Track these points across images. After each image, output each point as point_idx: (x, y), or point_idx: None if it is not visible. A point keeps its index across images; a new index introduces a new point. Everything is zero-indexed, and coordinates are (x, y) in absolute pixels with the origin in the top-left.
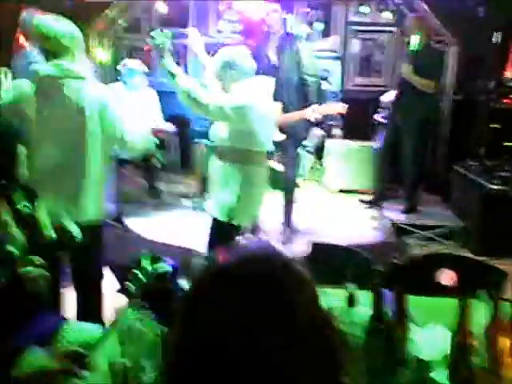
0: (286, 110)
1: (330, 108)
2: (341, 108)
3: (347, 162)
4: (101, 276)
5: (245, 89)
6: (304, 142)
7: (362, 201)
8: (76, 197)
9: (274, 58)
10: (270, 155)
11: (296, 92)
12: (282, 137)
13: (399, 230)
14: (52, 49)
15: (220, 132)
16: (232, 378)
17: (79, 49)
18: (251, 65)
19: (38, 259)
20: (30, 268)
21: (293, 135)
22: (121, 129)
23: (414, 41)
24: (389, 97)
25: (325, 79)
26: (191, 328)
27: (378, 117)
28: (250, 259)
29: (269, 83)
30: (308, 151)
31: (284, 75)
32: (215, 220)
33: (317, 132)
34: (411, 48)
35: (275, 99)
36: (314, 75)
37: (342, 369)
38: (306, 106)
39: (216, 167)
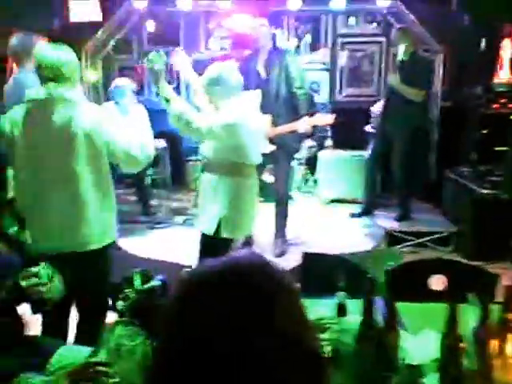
0: (275, 122)
1: (320, 119)
2: (330, 119)
3: (339, 172)
4: (105, 303)
5: (233, 106)
6: (296, 154)
7: (353, 214)
8: (71, 222)
9: (263, 72)
10: (262, 168)
11: (285, 105)
12: (272, 148)
13: (392, 238)
14: (50, 76)
15: (209, 146)
16: (224, 379)
17: (77, 76)
18: (238, 80)
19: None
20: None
21: (285, 148)
22: (122, 145)
23: (401, 51)
24: (378, 107)
25: (315, 91)
26: (180, 329)
27: (368, 127)
28: (237, 263)
29: (256, 97)
30: (300, 163)
31: (273, 88)
32: (205, 235)
33: (309, 143)
34: (398, 58)
35: (265, 112)
36: (303, 88)
37: (327, 370)
38: (296, 119)
39: (206, 181)
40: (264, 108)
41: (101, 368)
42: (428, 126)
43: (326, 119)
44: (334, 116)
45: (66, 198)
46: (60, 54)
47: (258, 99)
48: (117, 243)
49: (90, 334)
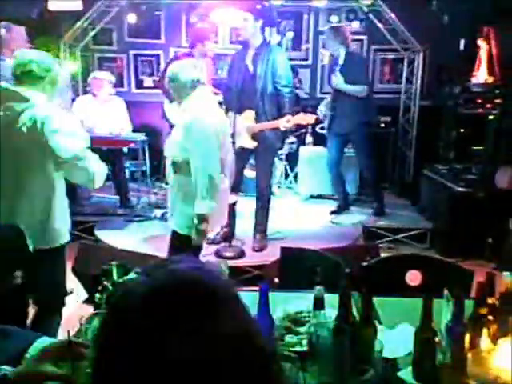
0: (258, 118)
1: (302, 119)
2: (311, 119)
3: (318, 168)
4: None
5: (189, 104)
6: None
7: (333, 212)
8: (28, 221)
9: (251, 67)
10: (245, 163)
11: (270, 102)
12: (254, 144)
13: (370, 234)
14: (17, 73)
15: (174, 146)
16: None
17: (48, 84)
18: (191, 77)
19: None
20: None
21: (267, 144)
22: (66, 153)
23: (342, 53)
24: (324, 107)
25: (297, 88)
26: (127, 336)
27: (321, 127)
28: (181, 272)
29: (211, 92)
30: (280, 158)
31: (259, 84)
32: (177, 233)
33: (289, 139)
34: (339, 60)
35: (250, 107)
36: (289, 86)
37: (278, 371)
38: (280, 117)
39: (175, 180)
40: (248, 103)
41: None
42: (373, 120)
43: (307, 119)
44: (315, 116)
45: (12, 194)
46: (33, 57)
47: (213, 95)
48: (96, 236)
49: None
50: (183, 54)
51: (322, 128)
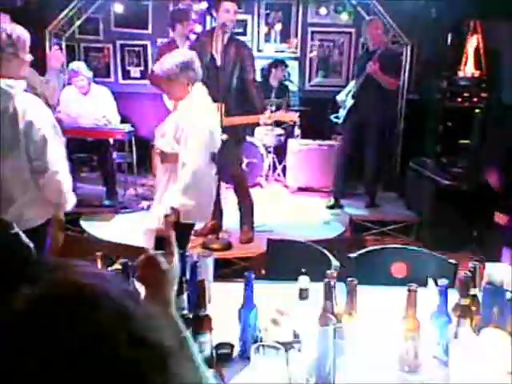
0: (228, 111)
1: (284, 115)
2: (294, 116)
3: (306, 160)
4: None
5: (200, 94)
6: (265, 142)
7: (328, 207)
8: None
9: (218, 59)
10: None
11: (236, 96)
12: (223, 137)
13: (357, 226)
14: None
15: (164, 138)
16: None
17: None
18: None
19: None
20: None
21: (233, 135)
22: (41, 154)
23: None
24: (342, 96)
25: (286, 80)
26: None
27: (335, 116)
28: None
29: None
30: (268, 151)
31: (227, 77)
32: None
33: (277, 132)
34: (375, 48)
35: (217, 100)
36: (256, 80)
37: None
38: (251, 111)
39: (162, 168)
40: (217, 96)
41: None
42: (396, 116)
43: (290, 116)
44: (297, 114)
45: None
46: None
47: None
48: (82, 227)
49: None
50: (164, 44)
51: (336, 117)
